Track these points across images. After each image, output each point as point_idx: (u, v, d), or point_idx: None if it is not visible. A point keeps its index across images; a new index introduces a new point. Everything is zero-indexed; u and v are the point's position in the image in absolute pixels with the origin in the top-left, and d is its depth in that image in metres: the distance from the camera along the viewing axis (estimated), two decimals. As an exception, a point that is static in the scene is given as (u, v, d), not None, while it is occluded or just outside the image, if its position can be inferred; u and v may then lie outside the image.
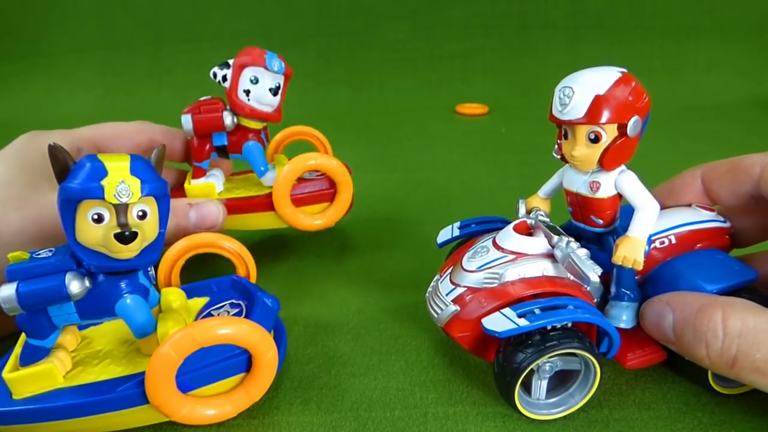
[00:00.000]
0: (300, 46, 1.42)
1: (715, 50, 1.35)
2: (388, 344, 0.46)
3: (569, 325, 0.36)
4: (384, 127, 1.17)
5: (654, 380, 0.41)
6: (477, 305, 0.38)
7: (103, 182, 0.31)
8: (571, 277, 0.37)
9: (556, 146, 0.39)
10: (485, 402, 0.39)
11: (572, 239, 0.37)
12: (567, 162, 0.39)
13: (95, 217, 0.32)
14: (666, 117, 1.05)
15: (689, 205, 0.42)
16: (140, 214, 0.33)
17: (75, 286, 0.33)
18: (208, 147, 0.57)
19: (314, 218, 0.56)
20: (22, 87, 1.43)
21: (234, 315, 0.41)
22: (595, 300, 0.39)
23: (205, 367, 0.36)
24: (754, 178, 0.39)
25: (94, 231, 0.32)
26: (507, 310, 0.35)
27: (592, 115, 0.35)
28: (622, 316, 0.39)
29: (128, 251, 0.33)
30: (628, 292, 0.38)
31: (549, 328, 0.35)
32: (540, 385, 0.37)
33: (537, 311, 0.34)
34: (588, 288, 0.38)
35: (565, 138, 0.38)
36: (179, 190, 0.58)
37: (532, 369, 0.36)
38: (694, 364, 0.34)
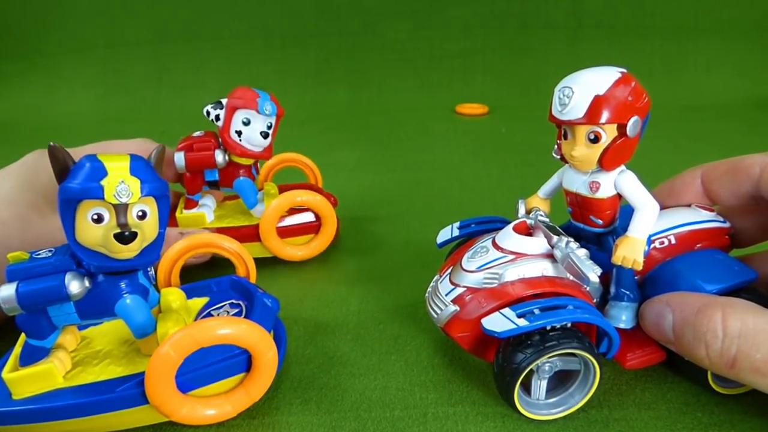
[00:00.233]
0: (300, 46, 1.42)
1: (715, 50, 1.35)
2: (388, 344, 0.46)
3: (569, 325, 0.36)
4: (384, 127, 1.17)
5: (654, 380, 0.41)
6: (476, 305, 0.38)
7: (103, 182, 0.31)
8: (571, 277, 0.37)
9: (556, 146, 0.39)
10: (485, 402, 0.39)
11: (572, 239, 0.37)
12: (567, 162, 0.39)
13: (95, 217, 0.32)
14: (666, 117, 1.05)
15: (689, 205, 0.42)
16: (140, 214, 0.33)
17: (75, 286, 0.33)
18: (199, 181, 0.59)
19: (298, 249, 0.59)
20: (22, 87, 1.43)
21: (234, 315, 0.41)
22: (595, 300, 0.39)
23: (204, 367, 0.36)
24: (754, 178, 0.39)
25: (93, 231, 0.32)
26: (506, 311, 0.35)
27: (592, 115, 0.35)
28: (622, 317, 0.39)
29: (128, 251, 0.33)
30: (627, 293, 0.38)
31: (548, 328, 0.35)
32: (540, 386, 0.37)
33: (536, 311, 0.34)
34: (587, 288, 0.38)
35: (565, 138, 0.38)
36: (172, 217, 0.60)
37: (531, 369, 0.36)
38: (693, 364, 0.34)
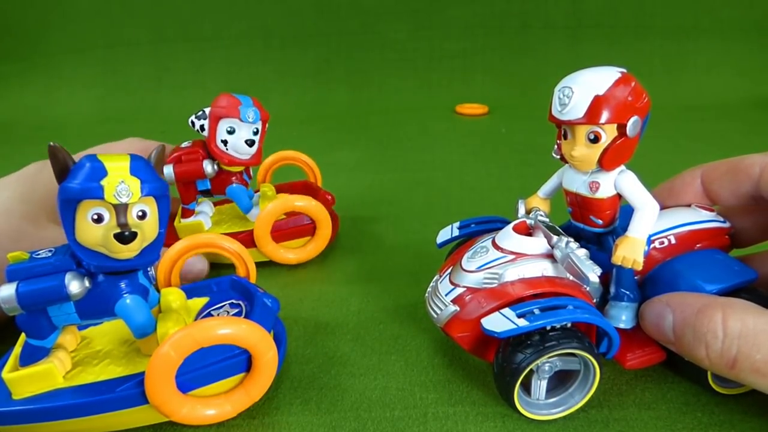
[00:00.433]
0: (300, 46, 1.42)
1: (715, 50, 1.35)
2: (388, 344, 0.46)
3: (568, 325, 0.36)
4: (384, 127, 1.17)
5: (654, 380, 0.41)
6: (476, 305, 0.38)
7: (103, 182, 0.31)
8: (571, 277, 0.37)
9: (556, 146, 0.39)
10: (485, 402, 0.39)
11: (572, 239, 0.37)
12: (567, 162, 0.39)
13: (95, 217, 0.32)
14: (666, 117, 1.05)
15: (689, 205, 0.42)
16: (140, 214, 0.33)
17: (75, 286, 0.33)
18: (193, 191, 0.60)
19: (294, 252, 0.59)
20: (22, 87, 1.43)
21: (234, 315, 0.41)
22: (595, 300, 0.39)
23: (204, 367, 0.36)
24: (753, 178, 0.39)
25: (93, 231, 0.32)
26: (506, 311, 0.35)
27: (592, 115, 0.35)
28: (622, 317, 0.39)
29: (128, 251, 0.33)
30: (627, 293, 0.38)
31: (548, 328, 0.35)
32: (540, 386, 0.37)
33: (536, 311, 0.34)
34: (587, 288, 0.38)
35: (565, 138, 0.38)
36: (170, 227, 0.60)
37: (531, 369, 0.36)
38: (693, 364, 0.34)
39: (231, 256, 0.47)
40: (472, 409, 0.39)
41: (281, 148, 0.70)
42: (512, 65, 1.39)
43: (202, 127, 0.57)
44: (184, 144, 0.59)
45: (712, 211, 0.41)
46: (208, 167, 0.57)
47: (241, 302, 0.43)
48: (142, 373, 0.34)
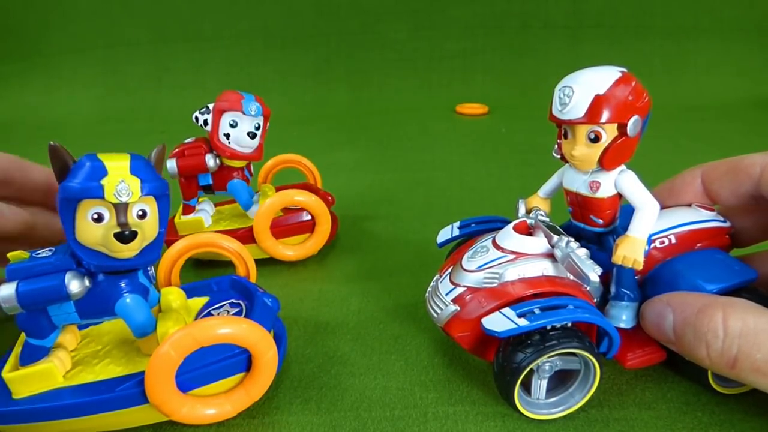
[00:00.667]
0: (300, 46, 1.42)
1: (715, 50, 1.36)
2: (388, 344, 0.46)
3: (569, 324, 0.36)
4: (384, 127, 1.17)
5: (654, 380, 0.41)
6: (477, 305, 0.38)
7: (103, 181, 0.31)
8: (571, 277, 0.37)
9: (556, 146, 0.39)
10: (485, 402, 0.39)
11: (572, 239, 0.37)
12: (567, 162, 0.39)
13: (95, 216, 0.32)
14: (666, 117, 1.05)
15: (689, 205, 0.42)
16: (140, 213, 0.33)
17: (75, 285, 0.33)
18: (194, 186, 0.60)
19: (293, 249, 0.59)
20: (22, 87, 1.43)
21: (234, 315, 0.41)
22: (595, 300, 0.39)
23: (204, 366, 0.36)
24: (754, 177, 0.39)
25: (93, 230, 0.32)
26: (507, 310, 0.35)
27: (592, 114, 0.35)
28: (622, 316, 0.39)
29: (128, 251, 0.33)
30: (628, 292, 0.38)
31: (548, 327, 0.35)
32: (540, 385, 0.37)
33: (537, 311, 0.34)
34: (588, 288, 0.38)
35: (565, 138, 0.38)
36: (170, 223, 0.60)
37: (531, 369, 0.36)
38: (694, 363, 0.34)
39: (231, 255, 0.47)
40: (472, 408, 0.39)
41: (281, 147, 0.70)
42: (512, 65, 1.39)
43: (205, 122, 0.57)
44: (188, 140, 0.59)
45: (712, 210, 0.41)
46: (211, 161, 0.58)
47: (241, 302, 0.43)
48: (142, 373, 0.34)
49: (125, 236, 0.32)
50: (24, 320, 0.34)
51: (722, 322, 0.31)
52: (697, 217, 0.40)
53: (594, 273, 0.34)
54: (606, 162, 0.36)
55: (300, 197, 0.57)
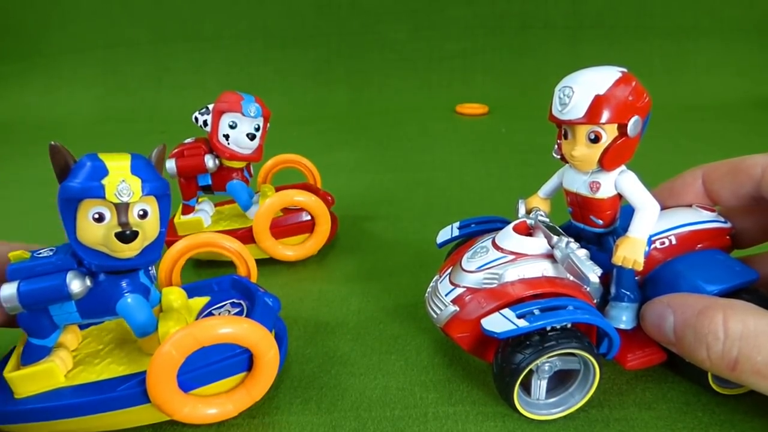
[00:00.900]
0: (300, 46, 1.42)
1: (715, 50, 1.36)
2: (388, 344, 0.46)
3: (568, 325, 0.36)
4: (384, 127, 1.17)
5: (654, 380, 0.41)
6: (476, 306, 0.38)
7: (104, 181, 0.31)
8: (571, 278, 0.37)
9: (556, 146, 0.39)
10: (485, 402, 0.39)
11: (572, 239, 0.37)
12: (567, 162, 0.39)
13: (96, 216, 0.32)
14: (666, 117, 1.05)
15: (690, 206, 0.42)
16: (141, 213, 0.33)
17: (76, 285, 0.33)
18: (194, 186, 0.60)
19: (293, 249, 0.59)
20: (22, 87, 1.44)
21: (235, 314, 0.41)
22: (595, 301, 0.39)
23: (206, 366, 0.36)
24: (755, 178, 0.38)
25: (95, 230, 0.32)
26: (506, 311, 0.35)
27: (592, 114, 0.35)
28: (622, 317, 0.39)
29: (129, 250, 0.33)
30: (628, 293, 0.38)
31: (548, 328, 0.35)
32: (539, 385, 0.37)
33: (536, 312, 0.34)
34: (588, 288, 0.38)
35: (565, 138, 0.38)
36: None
37: (531, 369, 0.36)
38: (694, 365, 0.34)
39: (232, 255, 0.48)
40: (472, 408, 0.39)
41: (281, 148, 0.70)
42: (512, 65, 1.39)
43: (204, 123, 0.57)
44: (188, 140, 0.60)
45: (713, 211, 0.41)
46: (210, 162, 0.58)
47: (242, 301, 0.43)
48: (144, 373, 0.34)
49: (126, 236, 0.32)
50: (25, 320, 0.34)
51: (723, 324, 0.31)
52: (697, 218, 0.40)
53: (594, 274, 0.34)
54: (606, 162, 0.36)
55: (300, 197, 0.57)
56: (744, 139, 1.02)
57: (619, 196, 0.38)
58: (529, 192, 0.45)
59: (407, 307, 0.51)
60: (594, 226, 0.40)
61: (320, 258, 0.61)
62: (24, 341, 0.36)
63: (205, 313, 0.42)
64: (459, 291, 0.39)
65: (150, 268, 0.37)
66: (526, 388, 0.38)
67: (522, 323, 0.33)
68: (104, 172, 0.32)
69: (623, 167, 0.38)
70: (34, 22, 1.46)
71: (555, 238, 0.38)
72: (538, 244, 0.39)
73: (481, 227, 0.47)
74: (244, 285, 0.44)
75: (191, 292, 0.44)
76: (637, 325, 0.38)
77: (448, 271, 0.42)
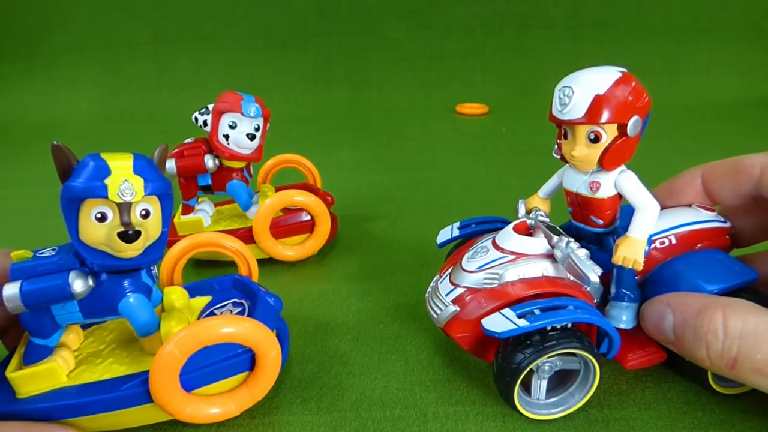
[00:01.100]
0: (300, 46, 1.42)
1: (715, 50, 1.36)
2: (388, 344, 0.46)
3: (569, 325, 0.36)
4: (384, 127, 1.17)
5: (654, 380, 0.41)
6: (476, 306, 0.38)
7: (107, 181, 0.31)
8: (571, 278, 0.38)
9: (556, 146, 0.40)
10: (485, 402, 0.39)
11: (572, 239, 0.37)
12: (567, 162, 0.39)
13: (98, 216, 0.32)
14: (666, 117, 1.05)
15: (689, 205, 0.42)
16: (143, 212, 0.33)
17: (78, 284, 0.33)
18: (193, 186, 0.60)
19: (292, 249, 0.59)
20: (22, 87, 1.43)
21: (237, 314, 0.41)
22: (595, 300, 0.40)
23: (208, 365, 0.36)
24: (754, 178, 0.39)
25: (97, 230, 0.32)
26: (507, 311, 0.35)
27: (592, 114, 0.35)
28: (622, 317, 0.39)
29: (131, 250, 0.33)
30: (628, 293, 0.38)
31: (548, 328, 0.35)
32: (540, 385, 0.37)
33: (537, 312, 0.34)
34: (588, 288, 0.38)
35: (565, 138, 0.38)
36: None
37: (531, 369, 0.36)
38: (694, 364, 0.34)
39: (233, 254, 0.48)
40: (473, 408, 0.39)
41: (281, 147, 0.70)
42: (512, 65, 1.39)
43: (204, 123, 0.58)
44: (187, 140, 0.60)
45: (712, 211, 0.42)
46: (210, 162, 0.58)
47: (243, 301, 0.43)
48: (146, 372, 0.34)
49: (129, 236, 0.32)
50: (28, 319, 0.34)
51: (722, 322, 0.32)
52: (697, 218, 0.41)
53: (594, 273, 0.35)
54: (606, 162, 0.36)
55: (299, 197, 0.57)
56: (744, 139, 1.02)
57: (619, 196, 0.38)
58: (529, 192, 0.45)
59: (407, 307, 0.51)
60: (594, 226, 0.40)
61: (320, 258, 0.61)
62: (26, 341, 0.36)
63: (207, 312, 0.42)
64: (459, 291, 0.39)
65: (152, 268, 0.37)
66: (527, 387, 0.38)
67: (522, 323, 0.34)
68: (107, 171, 0.32)
69: (623, 167, 0.38)
70: (34, 22, 1.45)
71: (555, 237, 0.38)
72: (538, 244, 0.39)
73: (481, 227, 0.47)
74: (245, 284, 0.44)
75: (193, 291, 0.44)
76: (637, 325, 0.39)
77: (449, 271, 0.42)
